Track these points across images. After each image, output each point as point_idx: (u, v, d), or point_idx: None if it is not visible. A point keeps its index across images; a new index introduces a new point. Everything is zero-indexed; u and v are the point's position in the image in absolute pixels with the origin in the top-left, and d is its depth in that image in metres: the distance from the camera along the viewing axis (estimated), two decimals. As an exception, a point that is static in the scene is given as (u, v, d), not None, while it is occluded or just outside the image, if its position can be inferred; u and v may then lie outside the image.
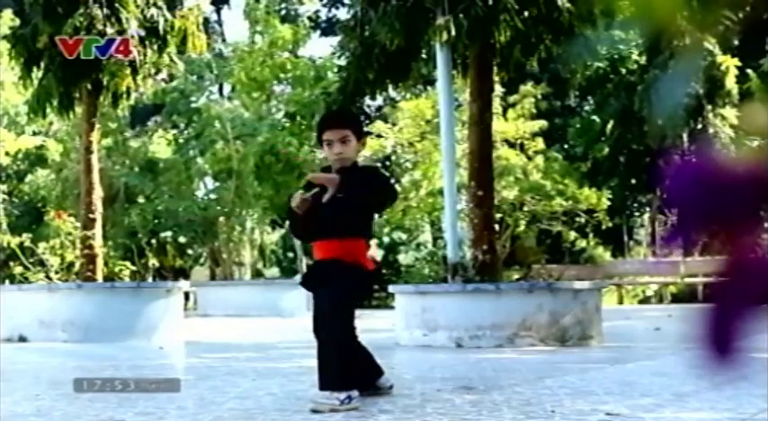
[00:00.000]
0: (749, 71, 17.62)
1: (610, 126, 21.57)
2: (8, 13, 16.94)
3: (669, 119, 17.98)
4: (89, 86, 10.81)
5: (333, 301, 4.54)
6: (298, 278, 20.12)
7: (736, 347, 0.68)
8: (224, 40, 26.05)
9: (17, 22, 15.78)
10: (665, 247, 0.72)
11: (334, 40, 21.22)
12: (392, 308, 10.59)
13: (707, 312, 0.69)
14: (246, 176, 19.31)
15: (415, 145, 19.50)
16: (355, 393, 4.44)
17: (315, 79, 19.93)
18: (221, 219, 20.25)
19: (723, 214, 0.68)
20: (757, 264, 0.68)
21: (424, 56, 10.06)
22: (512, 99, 19.24)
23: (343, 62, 13.27)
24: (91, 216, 10.75)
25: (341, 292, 4.56)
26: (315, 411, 4.32)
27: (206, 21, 21.15)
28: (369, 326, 12.21)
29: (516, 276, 11.58)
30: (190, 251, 22.73)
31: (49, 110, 11.18)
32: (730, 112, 19.57)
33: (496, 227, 10.98)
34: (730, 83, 19.32)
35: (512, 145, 18.95)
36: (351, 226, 4.64)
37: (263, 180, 19.51)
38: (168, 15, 10.99)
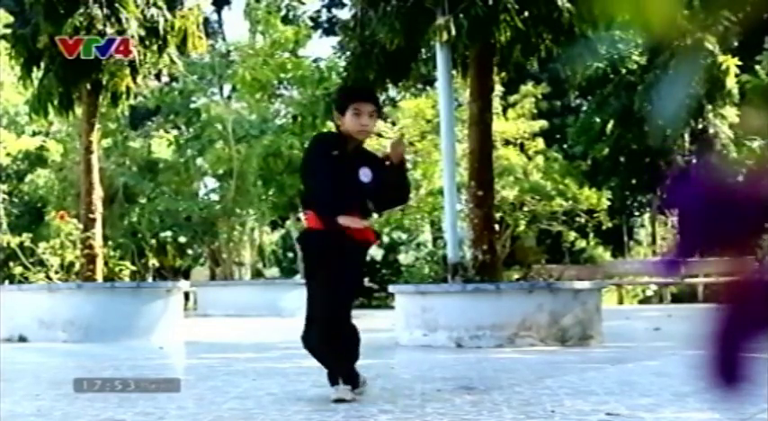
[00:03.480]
0: (757, 67, 17.60)
1: (610, 126, 21.57)
2: (2, 11, 16.94)
3: (669, 119, 17.98)
4: (89, 86, 10.80)
5: (350, 291, 4.81)
6: (298, 278, 20.19)
7: (740, 361, 0.68)
8: (224, 40, 26.04)
9: (11, 19, 15.79)
10: (668, 268, 0.72)
11: (335, 40, 21.22)
12: (392, 308, 10.59)
13: (711, 329, 0.68)
14: (249, 177, 19.31)
15: (415, 145, 19.50)
16: None
17: (318, 80, 19.92)
18: (221, 219, 20.25)
19: (725, 229, 0.68)
20: (760, 278, 0.68)
21: (424, 56, 10.05)
22: (512, 99, 19.24)
23: (343, 62, 13.27)
24: (91, 216, 10.74)
25: (356, 281, 4.86)
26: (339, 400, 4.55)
27: (206, 21, 21.16)
28: (369, 326, 12.19)
29: (516, 276, 11.57)
30: (190, 251, 22.71)
31: (49, 110, 11.17)
32: (730, 112, 19.58)
33: (496, 227, 10.97)
34: (730, 83, 19.32)
35: (512, 145, 18.95)
36: (366, 206, 4.81)
37: (267, 181, 19.51)
38: (168, 15, 10.98)
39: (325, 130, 19.44)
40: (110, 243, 11.92)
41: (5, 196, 18.49)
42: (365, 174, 4.70)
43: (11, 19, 15.67)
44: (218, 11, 33.45)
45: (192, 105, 21.19)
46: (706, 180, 0.68)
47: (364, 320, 12.77)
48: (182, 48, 11.17)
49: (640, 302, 21.96)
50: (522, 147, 19.05)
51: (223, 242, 20.51)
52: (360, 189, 4.69)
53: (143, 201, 20.43)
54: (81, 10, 10.30)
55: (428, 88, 19.31)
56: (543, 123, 19.30)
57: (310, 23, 23.11)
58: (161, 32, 10.89)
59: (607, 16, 8.33)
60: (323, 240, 4.66)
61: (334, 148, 4.70)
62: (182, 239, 20.48)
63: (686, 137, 19.51)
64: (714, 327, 0.69)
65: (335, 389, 4.62)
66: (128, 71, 10.80)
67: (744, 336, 0.68)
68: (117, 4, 10.53)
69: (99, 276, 10.59)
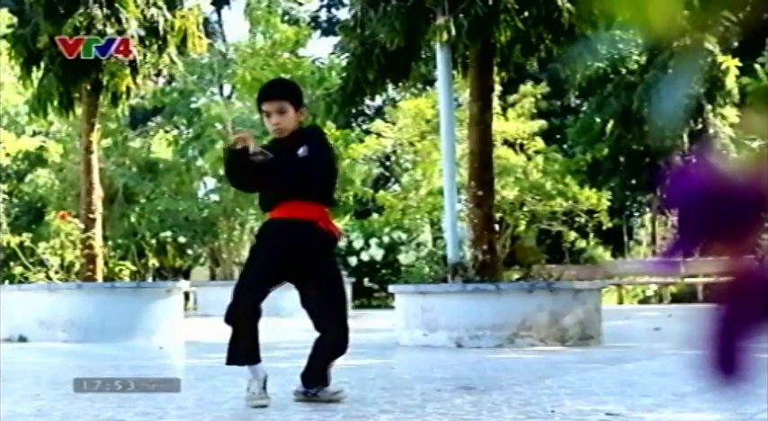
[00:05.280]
0: (757, 67, 17.61)
1: (610, 126, 21.57)
2: (4, 11, 16.92)
3: (669, 119, 17.98)
4: (89, 86, 10.80)
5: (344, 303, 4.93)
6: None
7: (740, 358, 0.68)
8: (224, 40, 26.06)
9: (15, 20, 15.79)
10: (667, 261, 0.71)
11: (335, 40, 21.21)
12: (392, 308, 10.58)
13: (710, 326, 0.68)
14: (249, 177, 19.27)
15: (415, 145, 19.51)
16: None
17: (318, 81, 19.92)
18: (221, 219, 20.25)
19: (725, 225, 0.68)
20: (759, 275, 0.68)
21: (423, 56, 10.05)
22: (512, 99, 19.24)
23: (343, 62, 13.26)
24: (91, 216, 10.74)
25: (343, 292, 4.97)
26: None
27: (206, 21, 21.15)
28: (369, 326, 12.19)
29: (516, 276, 11.57)
30: (190, 251, 22.72)
31: (49, 110, 11.17)
32: (730, 112, 19.58)
33: (496, 227, 10.97)
34: (730, 83, 19.32)
35: (512, 145, 18.95)
36: (312, 190, 4.67)
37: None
38: (168, 15, 10.97)
39: (324, 130, 19.43)
40: (110, 243, 11.92)
41: (5, 196, 18.49)
42: (303, 151, 4.60)
43: (15, 20, 15.66)
44: (218, 11, 33.46)
45: (192, 105, 21.19)
46: (704, 175, 0.68)
47: (364, 320, 12.79)
48: (182, 48, 11.16)
49: (640, 302, 21.96)
50: (521, 147, 19.06)
51: (223, 242, 20.51)
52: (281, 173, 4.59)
53: (143, 201, 20.43)
54: (81, 10, 10.30)
55: (428, 88, 19.31)
56: (543, 123, 19.30)
57: (310, 23, 23.10)
58: (161, 32, 10.89)
59: (607, 16, 8.35)
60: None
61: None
62: (182, 239, 20.49)
63: (686, 137, 19.50)
64: (712, 324, 0.69)
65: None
66: (128, 71, 10.79)
67: (742, 333, 0.68)
68: (117, 4, 10.53)
69: (99, 276, 10.59)
